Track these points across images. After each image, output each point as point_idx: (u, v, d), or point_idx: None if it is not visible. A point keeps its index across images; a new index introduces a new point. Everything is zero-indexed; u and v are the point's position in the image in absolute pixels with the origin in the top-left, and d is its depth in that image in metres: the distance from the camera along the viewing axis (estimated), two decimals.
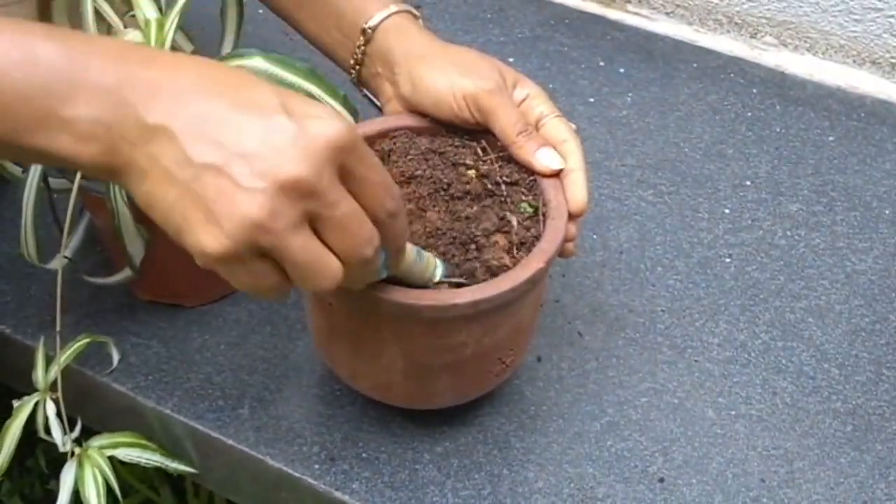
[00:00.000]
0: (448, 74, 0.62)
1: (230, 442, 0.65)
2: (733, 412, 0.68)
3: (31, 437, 1.03)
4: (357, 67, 0.67)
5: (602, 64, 0.97)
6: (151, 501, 0.97)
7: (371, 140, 0.62)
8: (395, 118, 0.64)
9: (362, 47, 0.66)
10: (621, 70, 0.97)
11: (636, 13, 1.04)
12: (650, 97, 0.94)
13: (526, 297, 0.57)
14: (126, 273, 0.68)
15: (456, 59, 0.64)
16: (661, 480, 0.64)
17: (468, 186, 0.59)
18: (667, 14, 1.03)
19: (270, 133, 0.42)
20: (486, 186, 0.60)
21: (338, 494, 0.63)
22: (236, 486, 0.70)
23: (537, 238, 0.57)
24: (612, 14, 1.04)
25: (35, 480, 0.99)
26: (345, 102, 0.64)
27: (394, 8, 0.67)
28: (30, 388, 0.77)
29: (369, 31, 0.65)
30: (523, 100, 0.64)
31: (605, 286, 0.76)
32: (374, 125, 0.63)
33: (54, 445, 1.01)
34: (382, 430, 0.66)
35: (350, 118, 0.64)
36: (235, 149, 0.41)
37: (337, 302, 0.56)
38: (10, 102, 0.42)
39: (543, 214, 0.59)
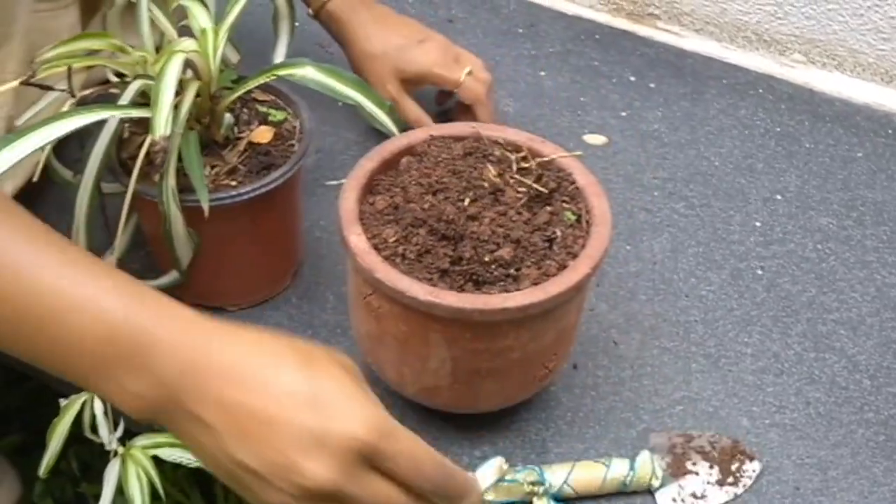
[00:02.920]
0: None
1: None
2: (767, 421, 0.69)
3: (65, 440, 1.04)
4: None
5: (633, 79, 0.99)
6: (180, 502, 0.99)
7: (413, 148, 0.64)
8: (440, 127, 0.65)
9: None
10: (652, 85, 0.98)
11: (666, 30, 1.05)
12: (680, 112, 0.95)
13: (571, 302, 0.58)
14: (173, 276, 0.69)
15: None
16: None
17: (513, 194, 0.61)
18: (696, 31, 1.04)
19: (298, 438, 0.45)
20: (528, 194, 0.61)
21: None
22: None
23: (582, 245, 0.58)
24: (642, 30, 1.06)
25: (66, 483, 1.00)
26: (390, 112, 0.65)
27: None
28: (69, 389, 0.79)
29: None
30: None
31: (638, 296, 0.77)
32: (420, 134, 0.64)
33: (86, 448, 1.03)
34: (423, 433, 0.66)
35: (395, 130, 0.66)
36: (268, 453, 0.45)
37: (387, 307, 0.57)
38: (67, 349, 0.47)
39: (587, 222, 0.60)
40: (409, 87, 0.86)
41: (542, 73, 0.98)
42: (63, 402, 0.69)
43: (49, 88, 0.59)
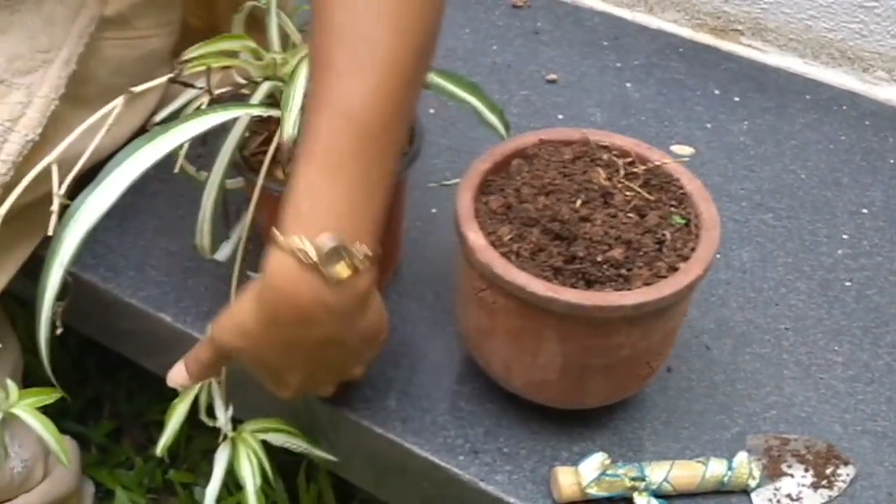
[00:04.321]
0: None
1: (378, 430, 0.69)
2: (859, 428, 0.70)
3: (156, 426, 1.08)
4: None
5: (717, 92, 1.01)
6: (265, 494, 1.01)
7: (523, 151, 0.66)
8: (548, 131, 0.68)
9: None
10: (736, 98, 1.00)
11: (749, 45, 1.07)
12: (765, 125, 0.97)
13: (681, 303, 0.60)
14: None
15: None
16: None
17: (622, 197, 0.63)
18: (779, 47, 1.06)
19: None
20: (637, 198, 0.63)
21: (482, 485, 0.66)
22: (376, 475, 0.74)
23: (692, 248, 0.60)
24: (725, 45, 1.08)
25: (156, 469, 1.04)
26: (501, 117, 0.68)
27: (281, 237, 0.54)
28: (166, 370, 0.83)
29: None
30: None
31: (729, 303, 0.79)
32: (530, 138, 0.67)
33: (175, 437, 1.06)
34: (522, 428, 0.70)
35: (504, 132, 0.69)
36: None
37: (502, 302, 0.60)
38: None
39: (696, 225, 0.62)
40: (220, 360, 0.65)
41: (628, 85, 1.01)
42: None
43: (191, 86, 0.63)
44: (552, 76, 1.01)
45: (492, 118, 0.68)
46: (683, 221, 0.63)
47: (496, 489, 0.66)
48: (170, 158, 0.71)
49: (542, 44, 1.06)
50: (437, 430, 0.69)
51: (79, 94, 0.70)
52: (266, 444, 0.90)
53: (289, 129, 0.57)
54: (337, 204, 0.52)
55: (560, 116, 0.95)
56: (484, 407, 0.71)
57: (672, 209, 0.63)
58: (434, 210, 0.86)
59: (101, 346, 0.91)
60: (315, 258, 0.52)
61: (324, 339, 0.56)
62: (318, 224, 0.52)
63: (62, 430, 0.94)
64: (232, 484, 1.02)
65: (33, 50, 0.67)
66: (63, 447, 0.55)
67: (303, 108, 0.61)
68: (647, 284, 0.58)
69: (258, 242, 0.79)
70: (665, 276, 0.59)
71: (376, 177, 0.54)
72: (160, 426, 1.06)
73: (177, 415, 0.70)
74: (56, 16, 0.68)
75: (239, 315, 0.57)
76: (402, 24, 0.52)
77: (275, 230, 0.53)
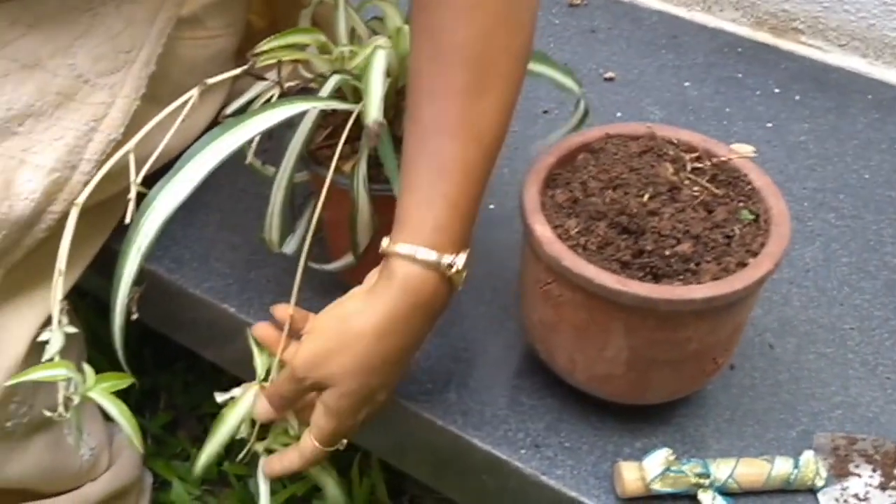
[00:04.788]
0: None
1: (440, 423, 0.70)
2: None
3: (212, 418, 1.09)
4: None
5: (777, 91, 1.00)
6: (318, 488, 1.02)
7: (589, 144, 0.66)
8: (615, 126, 0.68)
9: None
10: (797, 98, 0.99)
11: (809, 44, 1.06)
12: (827, 125, 0.96)
13: (749, 298, 0.60)
14: (347, 260, 0.73)
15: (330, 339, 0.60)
16: None
17: (690, 192, 0.63)
18: (840, 46, 1.05)
19: None
20: (705, 192, 0.63)
21: (544, 479, 0.66)
22: (434, 467, 0.74)
23: (761, 244, 0.60)
24: (785, 44, 1.07)
25: (211, 461, 1.05)
26: (574, 78, 0.70)
27: (412, 251, 0.57)
28: (235, 367, 0.84)
29: (382, 248, 0.59)
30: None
31: (792, 302, 0.78)
32: (596, 132, 0.67)
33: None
34: (583, 423, 0.69)
35: (577, 88, 0.70)
36: None
37: (569, 295, 0.60)
38: None
39: (765, 221, 0.62)
40: (304, 392, 0.64)
41: (687, 84, 1.00)
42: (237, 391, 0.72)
43: (263, 79, 0.64)
44: (610, 74, 1.00)
45: (566, 81, 0.70)
46: (752, 217, 0.62)
47: (558, 483, 0.66)
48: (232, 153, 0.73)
49: (599, 42, 1.06)
50: (497, 423, 0.69)
51: (154, 94, 0.71)
52: None
53: (373, 113, 0.58)
54: (458, 218, 0.57)
55: (619, 114, 0.95)
56: (544, 401, 0.71)
57: (741, 204, 0.63)
58: (491, 206, 0.86)
59: (158, 337, 0.92)
60: (445, 265, 0.57)
61: (418, 342, 0.61)
62: (448, 236, 0.57)
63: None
64: (285, 477, 1.03)
65: (116, 50, 0.69)
66: (137, 431, 0.56)
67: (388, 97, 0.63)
68: (715, 279, 0.58)
69: (319, 236, 0.80)
70: (733, 272, 0.59)
71: (483, 191, 0.58)
72: (215, 418, 1.09)
73: (225, 426, 0.70)
74: (136, 16, 0.70)
75: (338, 343, 0.59)
76: (513, 44, 0.56)
77: (399, 242, 0.57)
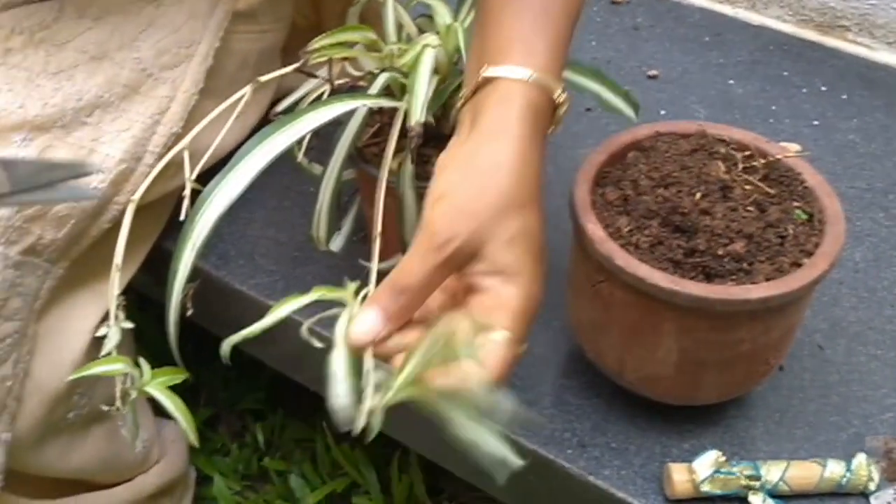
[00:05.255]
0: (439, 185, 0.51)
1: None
2: None
3: (251, 414, 1.10)
4: (461, 103, 0.55)
5: (824, 89, 0.99)
6: (357, 485, 1.03)
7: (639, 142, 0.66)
8: (665, 124, 0.67)
9: (469, 91, 0.54)
10: (844, 96, 0.98)
11: (855, 41, 1.05)
12: (875, 123, 0.94)
13: (804, 299, 0.59)
14: (397, 259, 0.73)
15: (470, 182, 0.50)
16: None
17: (742, 191, 0.62)
18: (888, 44, 1.03)
19: None
20: (757, 192, 0.62)
21: (591, 479, 0.66)
22: (478, 466, 0.74)
23: (816, 244, 0.59)
24: (830, 42, 1.05)
25: (251, 456, 1.06)
26: (627, 98, 0.68)
27: (525, 73, 0.52)
28: (279, 364, 0.84)
29: (481, 77, 0.52)
30: (473, 288, 0.48)
31: (842, 303, 0.77)
32: (646, 130, 0.67)
33: (269, 424, 1.08)
34: (629, 423, 0.69)
35: (632, 113, 0.68)
36: None
37: (620, 294, 0.59)
38: None
39: (819, 221, 0.61)
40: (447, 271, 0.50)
41: (731, 82, 0.99)
42: None
43: (314, 76, 0.64)
44: (653, 72, 1.00)
45: (617, 102, 0.69)
46: (806, 216, 0.61)
47: (605, 483, 0.65)
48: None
49: (642, 40, 1.06)
50: (543, 423, 0.69)
51: (209, 87, 0.72)
52: (359, 436, 0.89)
53: (416, 114, 0.58)
54: (562, 54, 0.54)
55: (663, 112, 0.94)
56: (591, 402, 0.70)
57: (794, 204, 0.62)
58: None
59: (197, 334, 0.93)
60: (556, 95, 0.53)
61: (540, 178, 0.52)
62: (557, 67, 0.53)
63: (166, 416, 0.97)
64: (325, 474, 1.03)
65: (177, 44, 0.70)
66: (192, 425, 0.56)
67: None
68: (768, 280, 0.57)
69: (363, 234, 0.80)
70: (787, 272, 0.58)
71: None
72: (255, 414, 1.09)
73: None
74: (197, 10, 0.70)
75: (476, 186, 0.47)
76: None
77: (509, 64, 0.51)
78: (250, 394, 1.10)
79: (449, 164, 0.51)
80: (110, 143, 0.66)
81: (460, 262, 0.48)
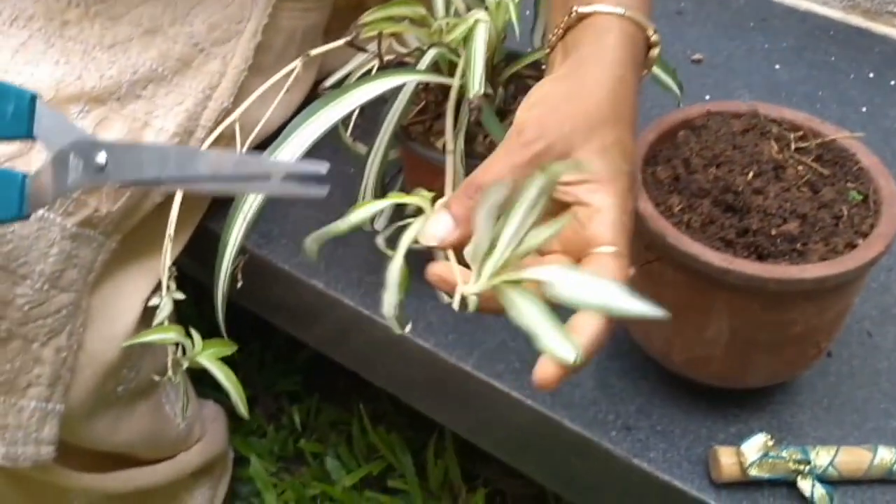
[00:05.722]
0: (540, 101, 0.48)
1: (528, 402, 0.69)
2: None
3: (288, 396, 1.10)
4: (549, 51, 0.54)
5: (872, 76, 0.97)
6: (392, 468, 1.03)
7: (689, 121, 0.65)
8: (717, 103, 0.66)
9: (560, 30, 0.53)
10: (892, 83, 0.96)
11: None
12: None
13: (858, 280, 0.58)
14: None
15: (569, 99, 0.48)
16: None
17: (794, 171, 0.61)
18: None
19: None
20: (810, 172, 0.61)
21: (636, 462, 0.65)
22: (519, 446, 0.73)
23: (871, 225, 0.58)
24: (878, 28, 1.04)
25: (287, 438, 1.06)
26: (675, 77, 0.67)
27: (619, 9, 0.52)
28: (321, 345, 0.84)
29: (574, 14, 0.52)
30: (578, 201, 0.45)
31: (892, 290, 0.76)
32: (698, 109, 0.66)
33: (306, 406, 1.08)
34: (675, 407, 0.68)
35: (679, 92, 0.67)
36: None
37: (671, 273, 0.58)
38: None
39: (874, 202, 0.60)
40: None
41: (777, 67, 0.98)
42: None
43: (364, 50, 0.64)
44: (697, 56, 0.99)
45: (666, 79, 0.68)
46: (861, 197, 0.60)
47: (650, 466, 0.65)
48: None
49: (686, 24, 1.04)
50: (587, 404, 0.69)
51: (257, 64, 0.72)
52: (395, 419, 0.90)
53: (476, 86, 0.57)
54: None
55: (707, 97, 0.93)
56: (636, 384, 0.70)
57: (848, 185, 0.61)
58: None
59: (233, 316, 0.93)
60: (650, 34, 0.53)
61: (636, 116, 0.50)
62: (649, 10, 0.54)
63: (203, 395, 0.97)
64: (361, 456, 1.03)
65: (228, 20, 0.70)
66: (242, 396, 0.56)
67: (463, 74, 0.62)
68: (822, 260, 0.56)
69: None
70: (842, 253, 0.57)
71: None
72: (291, 397, 1.10)
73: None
74: None
75: (572, 98, 0.45)
76: None
77: (604, 3, 0.51)
78: (286, 377, 1.11)
79: (542, 84, 0.49)
80: (164, 117, 0.66)
81: (536, 164, 0.44)
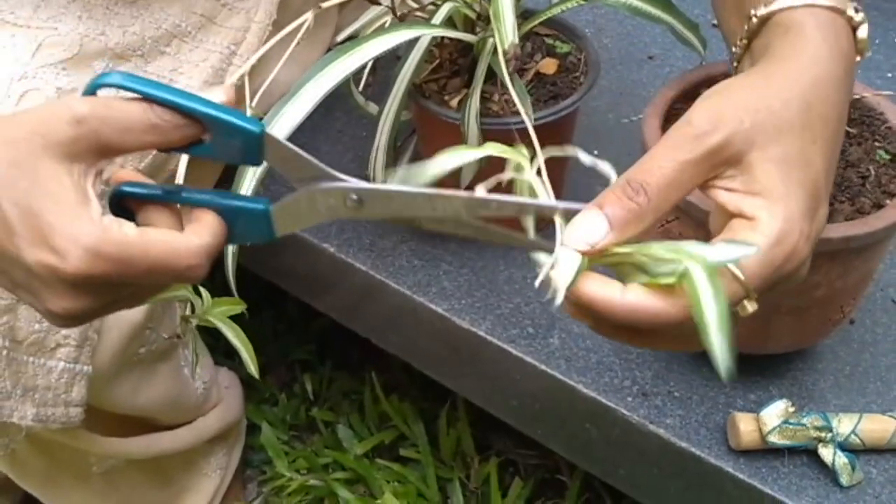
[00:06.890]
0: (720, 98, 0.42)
1: (542, 367, 0.68)
2: None
3: (300, 365, 1.10)
4: (735, 65, 0.51)
5: None
6: (404, 437, 1.02)
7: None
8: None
9: (744, 40, 0.49)
10: None
11: None
12: None
13: (885, 242, 0.56)
14: None
15: (760, 94, 0.42)
16: None
17: None
18: None
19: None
20: None
21: (652, 427, 0.64)
22: (534, 414, 0.72)
23: None
24: None
25: (300, 406, 1.06)
26: (697, 34, 0.66)
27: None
28: (332, 310, 0.83)
29: (755, 20, 0.47)
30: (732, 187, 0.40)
31: None
32: (720, 66, 0.64)
33: (318, 375, 1.08)
34: (693, 373, 0.67)
35: (702, 49, 0.66)
36: None
37: (691, 234, 0.57)
38: None
39: None
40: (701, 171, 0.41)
41: None
42: None
43: (377, 3, 0.62)
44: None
45: (689, 35, 0.67)
46: (889, 157, 0.59)
47: (667, 433, 0.63)
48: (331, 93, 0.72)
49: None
50: (602, 370, 0.67)
51: (277, 21, 0.71)
52: (408, 389, 0.89)
53: (509, 36, 0.56)
54: None
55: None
56: (652, 350, 0.68)
57: (876, 144, 0.59)
58: (595, 152, 0.83)
59: (245, 286, 0.92)
60: (854, 15, 0.46)
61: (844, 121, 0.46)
62: None
63: (218, 364, 0.96)
64: (373, 425, 1.03)
65: None
66: (252, 355, 0.55)
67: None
68: (848, 220, 0.55)
69: None
70: (868, 213, 0.55)
71: None
72: (303, 365, 1.09)
73: None
74: None
75: (759, 96, 0.39)
76: None
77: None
78: (299, 346, 1.10)
79: (737, 80, 0.43)
80: (188, 74, 0.65)
81: (717, 163, 0.38)
